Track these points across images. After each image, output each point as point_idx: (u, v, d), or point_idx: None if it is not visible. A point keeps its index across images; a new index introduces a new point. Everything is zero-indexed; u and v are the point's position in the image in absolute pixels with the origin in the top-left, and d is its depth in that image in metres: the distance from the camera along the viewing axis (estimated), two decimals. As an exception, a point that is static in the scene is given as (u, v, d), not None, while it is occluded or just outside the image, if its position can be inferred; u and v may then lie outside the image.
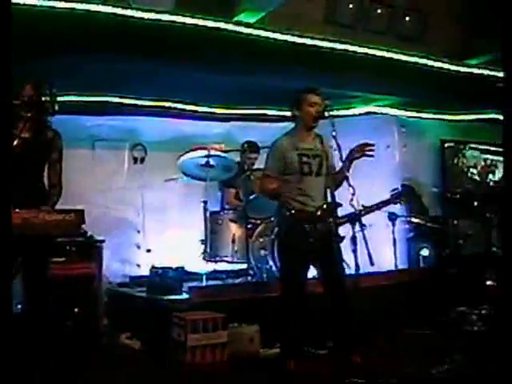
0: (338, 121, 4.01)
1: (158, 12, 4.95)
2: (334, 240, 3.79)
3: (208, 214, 5.53)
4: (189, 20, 5.13)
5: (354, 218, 3.67)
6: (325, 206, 3.85)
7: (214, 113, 6.55)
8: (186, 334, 4.15)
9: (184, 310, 4.45)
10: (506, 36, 3.24)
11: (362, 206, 4.01)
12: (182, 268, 5.22)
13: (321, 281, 3.98)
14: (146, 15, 4.87)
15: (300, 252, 3.80)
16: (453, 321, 5.40)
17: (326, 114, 3.86)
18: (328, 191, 3.93)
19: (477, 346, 4.43)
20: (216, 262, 5.53)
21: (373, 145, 3.77)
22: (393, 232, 6.19)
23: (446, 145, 7.73)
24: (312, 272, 3.95)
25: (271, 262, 5.20)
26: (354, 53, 6.03)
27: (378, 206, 4.17)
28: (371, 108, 7.02)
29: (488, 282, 5.94)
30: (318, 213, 3.83)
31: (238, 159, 5.99)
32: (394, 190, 4.43)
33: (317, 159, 3.89)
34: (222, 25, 5.32)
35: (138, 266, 6.01)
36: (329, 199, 3.92)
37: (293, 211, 3.84)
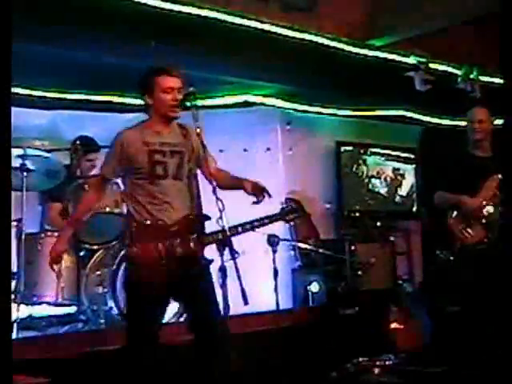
0: (205, 113, 4.07)
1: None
2: (198, 263, 3.83)
3: (23, 238, 5.34)
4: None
5: (223, 240, 3.71)
6: (185, 219, 3.88)
7: (34, 96, 6.37)
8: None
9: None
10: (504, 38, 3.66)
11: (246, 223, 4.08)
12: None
13: (186, 320, 4.03)
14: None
15: (148, 283, 3.79)
16: (350, 376, 5.61)
17: (189, 103, 3.90)
18: (195, 198, 3.95)
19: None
20: (33, 304, 5.35)
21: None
22: (273, 260, 6.26)
23: (343, 148, 7.94)
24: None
25: (111, 303, 5.15)
26: (225, 22, 6.05)
27: (263, 223, 4.19)
28: (247, 97, 7.15)
29: (392, 326, 6.25)
30: (175, 228, 3.85)
31: (67, 161, 5.89)
32: (285, 203, 4.48)
33: (175, 157, 3.89)
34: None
35: None
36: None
37: (143, 225, 3.83)
